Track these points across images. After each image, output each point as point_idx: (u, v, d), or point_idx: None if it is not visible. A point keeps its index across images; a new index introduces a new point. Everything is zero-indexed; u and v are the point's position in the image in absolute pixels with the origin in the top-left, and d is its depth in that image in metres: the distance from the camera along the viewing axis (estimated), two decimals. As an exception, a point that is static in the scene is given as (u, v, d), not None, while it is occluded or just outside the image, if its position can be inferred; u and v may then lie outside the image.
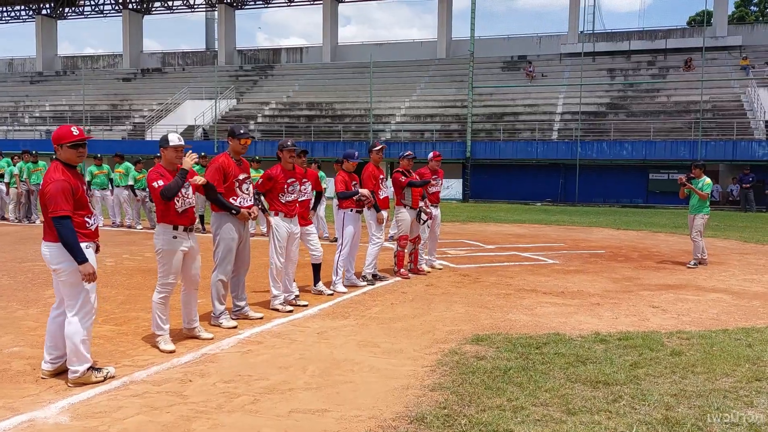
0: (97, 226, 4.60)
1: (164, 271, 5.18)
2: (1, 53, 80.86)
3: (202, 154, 14.65)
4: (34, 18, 51.81)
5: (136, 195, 15.08)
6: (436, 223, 9.50)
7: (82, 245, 4.26)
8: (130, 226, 15.18)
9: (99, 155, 16.03)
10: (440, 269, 9.46)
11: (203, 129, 36.71)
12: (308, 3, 48.41)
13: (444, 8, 41.91)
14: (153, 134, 36.73)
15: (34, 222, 15.71)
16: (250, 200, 6.26)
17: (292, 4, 49.01)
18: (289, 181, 6.69)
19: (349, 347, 5.26)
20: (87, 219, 4.39)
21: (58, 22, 52.91)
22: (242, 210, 5.94)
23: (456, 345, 5.29)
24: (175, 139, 5.23)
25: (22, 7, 52.25)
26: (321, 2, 45.29)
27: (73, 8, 52.38)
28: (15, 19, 54.42)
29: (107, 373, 4.35)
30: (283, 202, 6.66)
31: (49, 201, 4.22)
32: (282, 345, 5.33)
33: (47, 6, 51.20)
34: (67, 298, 4.35)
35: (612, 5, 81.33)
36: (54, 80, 48.23)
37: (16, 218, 16.02)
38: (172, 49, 51.48)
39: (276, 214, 6.66)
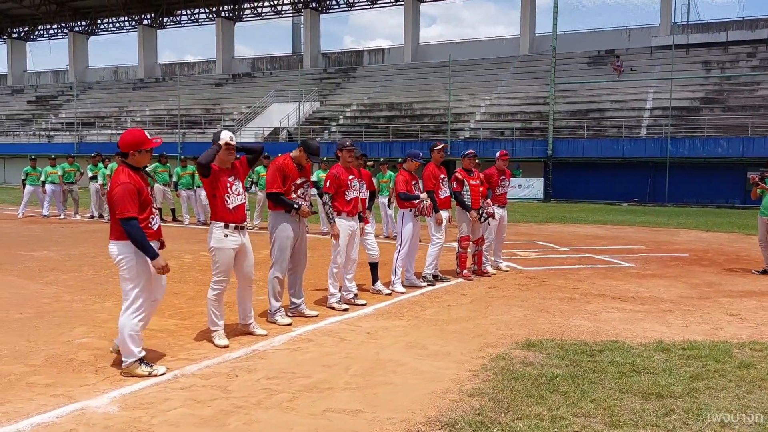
0: (160, 226, 4.82)
1: (217, 268, 5.37)
2: (108, 62, 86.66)
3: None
4: (136, 28, 55.13)
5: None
6: (503, 225, 9.30)
7: None
8: (205, 223, 15.87)
9: (164, 154, 16.84)
10: (506, 271, 9.26)
11: (287, 131, 37.76)
12: (391, 4, 48.73)
13: (527, 4, 40.98)
14: (241, 136, 38.15)
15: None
16: (306, 204, 6.36)
17: (375, 6, 49.52)
18: (350, 178, 6.77)
19: (396, 348, 5.24)
20: (150, 219, 4.63)
21: (158, 31, 56.00)
22: (303, 205, 6.06)
23: (505, 350, 5.15)
24: (227, 137, 5.36)
25: (126, 18, 55.75)
26: (402, 3, 45.50)
27: (171, 18, 55.33)
28: (119, 29, 58.23)
29: (154, 371, 4.53)
30: (347, 199, 6.73)
31: (117, 203, 4.47)
32: (331, 343, 5.39)
33: (148, 16, 54.34)
34: (123, 293, 4.60)
35: (709, -6, 76.68)
36: (154, 86, 51.10)
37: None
38: (262, 55, 53.30)
39: (338, 214, 6.72)
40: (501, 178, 9.22)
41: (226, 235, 5.34)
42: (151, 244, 4.57)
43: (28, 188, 18.03)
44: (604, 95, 32.83)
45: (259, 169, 14.75)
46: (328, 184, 6.74)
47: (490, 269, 9.09)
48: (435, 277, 8.30)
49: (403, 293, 7.55)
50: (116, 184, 4.51)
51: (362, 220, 7.11)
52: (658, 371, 4.57)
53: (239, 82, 48.25)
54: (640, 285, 8.28)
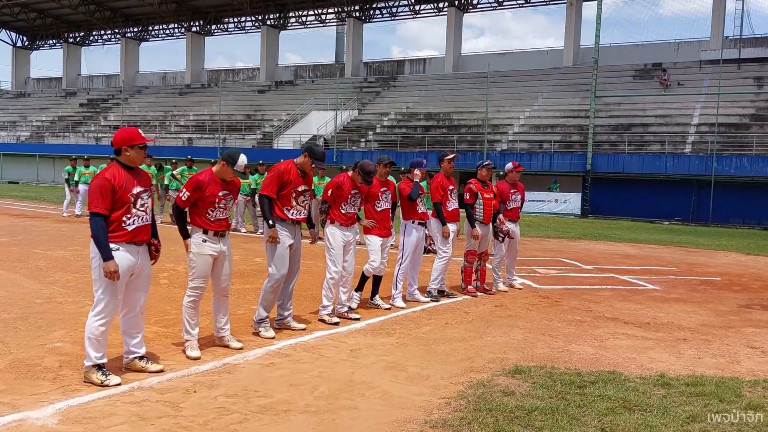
0: (146, 227, 4.57)
1: (193, 274, 5.18)
2: (157, 67, 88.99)
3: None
4: (185, 35, 56.37)
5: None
6: (516, 240, 8.87)
7: (112, 245, 4.34)
8: (235, 229, 15.78)
9: (190, 158, 16.86)
10: (519, 289, 8.82)
11: (324, 138, 37.83)
12: (433, 14, 48.52)
13: (572, 15, 40.20)
14: (279, 143, 38.46)
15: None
16: (305, 213, 6.14)
17: (418, 16, 49.42)
18: (352, 192, 6.52)
19: (373, 369, 4.92)
20: (124, 219, 4.42)
21: (209, 38, 57.17)
22: (272, 230, 5.76)
23: (489, 376, 4.77)
24: (242, 163, 5.23)
25: (176, 25, 57.10)
26: (446, 13, 45.24)
27: (218, 25, 56.41)
28: (169, 36, 59.69)
29: (107, 380, 4.32)
30: (343, 213, 6.47)
31: (89, 197, 4.40)
32: (307, 360, 5.10)
33: (197, 24, 55.52)
34: (94, 293, 4.45)
35: (764, 8, 73.86)
36: (199, 92, 52.05)
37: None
38: (305, 63, 53.77)
39: (332, 223, 6.48)
40: (512, 191, 8.79)
41: (205, 241, 5.15)
42: (122, 245, 4.39)
43: (82, 188, 18.31)
44: (649, 109, 31.81)
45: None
46: (329, 192, 6.49)
47: (502, 286, 8.67)
48: (441, 292, 7.94)
49: (402, 308, 7.22)
50: (94, 179, 4.43)
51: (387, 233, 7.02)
52: (652, 409, 4.13)
53: (281, 89, 48.73)
54: (659, 309, 7.75)
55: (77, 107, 54.58)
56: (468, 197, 8.20)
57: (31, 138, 50.45)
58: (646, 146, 29.05)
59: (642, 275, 10.59)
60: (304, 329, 6.08)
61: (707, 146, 27.29)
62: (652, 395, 4.41)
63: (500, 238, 8.32)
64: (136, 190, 4.50)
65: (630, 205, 27.40)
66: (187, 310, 5.18)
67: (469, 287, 8.24)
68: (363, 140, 36.70)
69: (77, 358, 4.92)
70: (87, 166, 18.29)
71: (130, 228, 4.46)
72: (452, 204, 7.97)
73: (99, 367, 4.39)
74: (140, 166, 4.67)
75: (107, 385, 4.30)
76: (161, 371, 4.67)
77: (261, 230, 5.80)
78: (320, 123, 39.05)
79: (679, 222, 25.98)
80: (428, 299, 7.70)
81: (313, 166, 6.02)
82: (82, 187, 18.01)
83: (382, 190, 7.04)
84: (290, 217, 5.92)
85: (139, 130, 4.59)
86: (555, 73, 38.89)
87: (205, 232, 5.16)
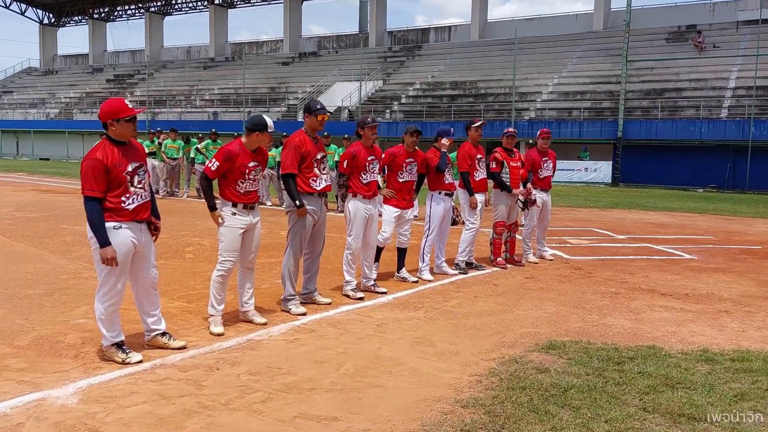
0: (141, 205, 4.38)
1: (222, 247, 5.06)
2: (181, 41, 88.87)
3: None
4: (208, 8, 56.05)
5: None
6: (546, 210, 8.59)
7: (112, 224, 4.18)
8: (260, 202, 15.71)
9: (214, 131, 16.71)
10: (550, 260, 8.56)
11: (348, 110, 37.50)
12: (458, -20, 47.30)
13: (603, -23, 38.83)
14: (302, 115, 38.18)
15: (181, 196, 16.94)
16: (328, 180, 5.95)
17: (443, -19, 48.20)
18: (369, 158, 6.29)
19: (401, 344, 4.76)
20: (123, 198, 4.28)
21: (233, 11, 56.78)
22: (304, 208, 5.56)
23: (522, 351, 4.58)
24: (272, 124, 5.11)
25: (198, -2, 56.81)
26: (471, -22, 44.12)
27: (241, -3, 55.98)
28: (192, 9, 59.44)
29: (129, 358, 4.24)
30: (364, 182, 6.27)
31: (81, 180, 4.19)
32: (333, 335, 4.96)
33: (219, -4, 55.16)
34: (98, 274, 4.33)
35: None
36: (223, 65, 51.89)
37: (164, 194, 17.33)
38: (329, 33, 53.11)
39: (354, 196, 6.29)
40: (543, 159, 8.49)
41: (234, 214, 5.02)
42: (125, 223, 4.24)
43: None
44: (683, 74, 30.74)
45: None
46: (345, 164, 6.28)
47: (532, 258, 8.43)
48: (468, 264, 7.73)
49: (430, 281, 7.04)
50: (84, 159, 4.21)
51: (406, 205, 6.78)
52: (696, 386, 3.90)
53: (305, 61, 48.30)
54: (698, 280, 7.44)
55: (104, 83, 54.91)
56: (494, 166, 7.93)
57: (60, 115, 51.05)
58: (680, 112, 28.15)
59: (678, 245, 10.23)
60: (329, 303, 5.95)
61: (744, 110, 26.32)
62: (696, 372, 4.18)
63: (524, 207, 8.02)
64: (131, 166, 4.30)
65: (662, 172, 26.68)
66: (215, 285, 5.07)
67: (498, 259, 8.01)
68: (388, 111, 36.28)
69: (100, 335, 4.85)
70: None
71: (131, 207, 4.29)
72: (480, 173, 7.71)
73: (118, 345, 4.30)
74: (137, 140, 4.50)
75: (128, 363, 4.21)
76: (184, 348, 4.57)
77: (286, 203, 5.61)
78: (344, 94, 38.68)
79: (714, 189, 25.24)
80: (456, 272, 7.51)
81: (321, 124, 5.76)
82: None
83: (407, 161, 6.81)
84: (317, 188, 5.73)
85: (126, 101, 4.30)
86: (585, 38, 37.79)
87: (235, 205, 5.02)
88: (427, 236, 7.28)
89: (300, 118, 38.41)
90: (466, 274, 7.49)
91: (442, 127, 7.57)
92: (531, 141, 9.04)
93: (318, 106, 5.75)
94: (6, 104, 56.00)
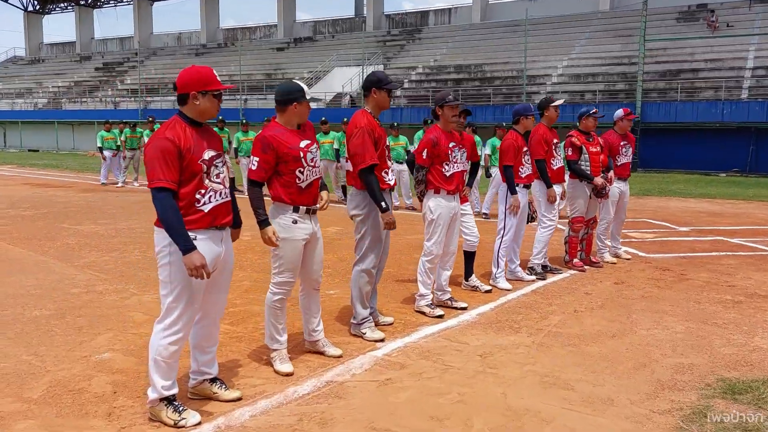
0: (221, 205, 3.26)
1: (280, 265, 3.89)
2: (171, 28, 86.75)
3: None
4: (199, -7, 54.34)
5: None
6: (624, 202, 7.52)
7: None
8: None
9: (222, 119, 15.45)
10: (628, 259, 7.51)
11: (350, 96, 36.24)
12: (458, -40, 45.93)
13: (609, -45, 37.61)
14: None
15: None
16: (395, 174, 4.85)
17: (442, -38, 46.84)
18: (451, 145, 5.15)
19: (528, 386, 3.68)
20: (198, 195, 3.16)
21: (220, -5, 55.08)
22: (388, 214, 4.41)
23: (697, 397, 3.50)
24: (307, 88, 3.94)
25: (188, -17, 55.05)
26: (471, -43, 42.77)
27: (231, -19, 54.27)
28: (182, -6, 57.76)
29: (183, 419, 3.14)
30: (447, 175, 5.13)
31: (147, 167, 3.11)
32: (432, 372, 3.88)
33: (210, -20, 53.43)
34: (161, 299, 3.23)
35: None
36: (216, 52, 50.28)
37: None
38: (323, 18, 51.59)
39: (437, 192, 5.14)
40: (622, 143, 7.42)
41: (295, 221, 3.86)
42: (200, 233, 3.15)
43: (107, 153, 17.15)
44: (698, 54, 29.66)
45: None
46: (424, 153, 5.13)
47: (608, 257, 7.37)
48: (544, 267, 6.66)
49: (508, 290, 5.96)
50: (150, 141, 3.13)
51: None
52: None
53: (300, 47, 46.85)
54: (813, 282, 6.40)
55: (93, 71, 53.19)
56: (571, 153, 6.86)
57: (49, 105, 49.35)
58: (698, 93, 27.12)
59: (751, 237, 9.20)
60: (391, 323, 4.85)
61: (766, 91, 25.34)
62: None
63: (598, 196, 6.91)
64: (208, 154, 3.22)
65: (682, 156, 25.64)
66: (273, 312, 3.94)
67: (575, 260, 6.95)
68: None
69: (134, 377, 3.76)
70: (108, 131, 17.06)
71: (207, 208, 3.19)
72: (558, 161, 6.63)
73: (169, 400, 3.20)
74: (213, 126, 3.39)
75: (183, 426, 3.12)
76: (239, 399, 3.46)
77: (354, 206, 4.40)
78: (345, 80, 37.35)
79: (737, 173, 24.27)
80: (533, 277, 6.43)
81: (390, 97, 4.63)
82: (107, 153, 16.88)
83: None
84: (390, 183, 4.63)
85: (214, 71, 3.24)
86: (591, 19, 36.62)
87: (296, 209, 3.86)
88: (502, 236, 6.19)
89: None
90: (544, 279, 6.41)
91: (521, 105, 6.47)
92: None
93: (389, 79, 4.62)
94: (-8, 94, 54.22)
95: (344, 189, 12.57)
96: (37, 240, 8.49)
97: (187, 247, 3.03)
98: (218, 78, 3.22)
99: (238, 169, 15.84)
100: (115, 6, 60.92)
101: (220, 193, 3.26)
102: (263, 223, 3.72)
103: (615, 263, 7.28)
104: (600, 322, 4.96)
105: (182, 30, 57.66)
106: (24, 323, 4.83)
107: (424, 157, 5.12)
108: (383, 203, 4.35)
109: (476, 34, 39.78)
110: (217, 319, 3.48)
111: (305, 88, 3.88)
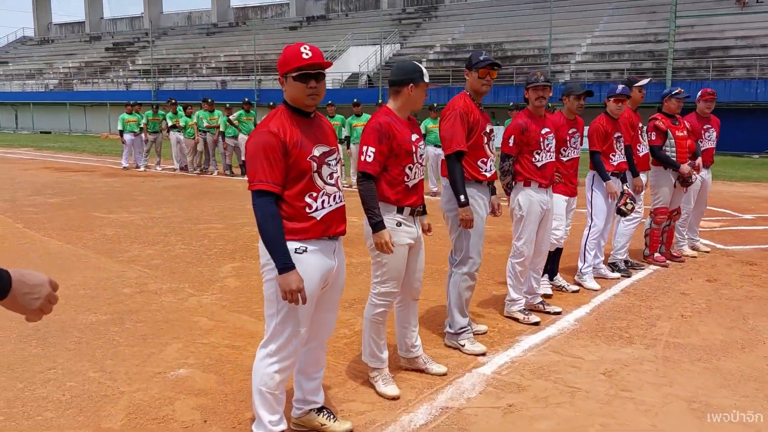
0: (335, 212, 2.77)
1: (384, 273, 3.41)
2: (180, 7, 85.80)
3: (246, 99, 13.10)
4: (208, -30, 53.44)
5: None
6: (705, 191, 6.98)
7: (292, 246, 2.63)
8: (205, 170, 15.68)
9: (247, 100, 14.90)
10: (707, 252, 7.00)
11: (368, 76, 35.55)
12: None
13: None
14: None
15: (211, 174, 15.23)
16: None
17: (458, -63, 45.68)
18: (543, 132, 4.64)
19: (676, 415, 3.20)
20: (308, 198, 2.69)
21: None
22: (467, 210, 3.88)
23: None
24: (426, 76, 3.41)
25: (198, -40, 54.13)
26: (490, -68, 41.61)
27: (242, -42, 53.31)
28: (191, -27, 56.79)
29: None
30: (539, 165, 4.62)
31: (248, 165, 2.65)
32: (559, 397, 3.41)
33: (221, -43, 52.51)
34: (266, 319, 2.77)
35: None
36: (227, 31, 49.51)
37: (194, 170, 15.67)
38: (337, -5, 50.61)
39: (527, 185, 4.63)
40: (705, 127, 6.87)
41: (400, 224, 3.37)
42: (311, 244, 2.69)
43: (127, 137, 16.60)
44: (727, 31, 28.75)
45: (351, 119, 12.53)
46: (510, 141, 4.61)
47: (687, 250, 6.86)
48: (625, 263, 6.16)
49: (596, 290, 5.47)
50: (254, 134, 2.67)
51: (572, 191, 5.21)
52: None
53: (314, 25, 46.00)
54: None
55: (103, 52, 52.54)
56: (654, 138, 6.32)
57: (60, 86, 48.84)
58: (729, 71, 26.31)
59: (825, 226, 8.66)
60: (485, 332, 4.38)
61: (801, 69, 24.55)
62: None
63: (688, 182, 6.36)
64: (319, 150, 2.72)
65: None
66: (374, 325, 3.47)
67: (656, 255, 6.45)
68: (409, 76, 34.23)
69: (221, 401, 3.31)
70: (130, 113, 16.52)
71: (320, 215, 2.71)
72: (643, 147, 6.11)
73: (279, 437, 2.75)
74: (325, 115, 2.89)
75: (300, 471, 2.67)
76: (350, 431, 3.02)
77: (447, 199, 3.87)
78: (361, 60, 36.60)
79: (771, 155, 23.57)
80: (617, 275, 5.93)
81: (483, 75, 4.07)
82: (128, 137, 16.37)
83: (570, 132, 5.19)
84: (487, 175, 4.13)
85: (304, 47, 2.67)
86: (616, -6, 35.64)
87: (400, 210, 3.37)
88: (590, 229, 5.69)
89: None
90: (629, 276, 5.92)
91: (616, 86, 5.95)
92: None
93: (482, 57, 4.09)
94: (2, 75, 53.70)
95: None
96: (72, 231, 8.04)
97: (285, 265, 2.56)
98: (304, 53, 2.65)
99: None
100: (125, -15, 60.15)
101: (334, 196, 2.77)
102: (378, 225, 3.21)
103: (696, 257, 6.77)
104: (717, 329, 4.47)
105: (192, 9, 56.89)
106: (81, 331, 4.39)
107: (511, 144, 4.60)
108: (462, 197, 3.86)
109: (495, 10, 38.82)
110: (325, 341, 3.02)
111: (424, 70, 3.36)
